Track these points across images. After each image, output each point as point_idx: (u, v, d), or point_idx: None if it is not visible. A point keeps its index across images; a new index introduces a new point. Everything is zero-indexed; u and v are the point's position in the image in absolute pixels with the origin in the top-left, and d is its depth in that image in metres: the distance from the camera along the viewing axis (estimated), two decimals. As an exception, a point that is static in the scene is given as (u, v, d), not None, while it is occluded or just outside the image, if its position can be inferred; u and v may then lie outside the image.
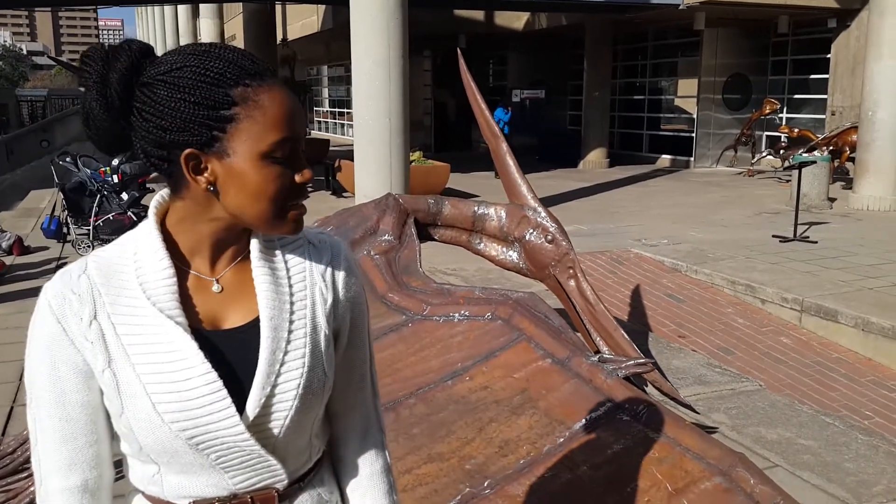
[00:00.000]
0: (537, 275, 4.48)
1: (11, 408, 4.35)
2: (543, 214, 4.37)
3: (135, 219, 8.44)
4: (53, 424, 1.07)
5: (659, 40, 19.39)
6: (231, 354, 1.09)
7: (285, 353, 1.11)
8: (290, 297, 1.14)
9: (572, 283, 4.33)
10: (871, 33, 11.40)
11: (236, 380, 1.07)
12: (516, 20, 19.96)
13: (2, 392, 4.55)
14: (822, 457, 3.77)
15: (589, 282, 4.26)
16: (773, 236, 9.07)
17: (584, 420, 2.84)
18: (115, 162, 8.71)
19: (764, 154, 16.04)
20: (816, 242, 8.77)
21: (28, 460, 3.42)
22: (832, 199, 11.66)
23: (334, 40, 22.51)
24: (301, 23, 22.23)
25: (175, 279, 1.08)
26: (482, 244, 4.58)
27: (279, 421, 1.10)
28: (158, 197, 1.14)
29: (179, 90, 1.01)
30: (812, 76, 16.47)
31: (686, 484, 2.51)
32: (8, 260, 7.88)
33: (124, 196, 8.55)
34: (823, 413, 4.43)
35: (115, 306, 1.06)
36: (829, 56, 15.69)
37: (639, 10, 15.76)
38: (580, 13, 17.38)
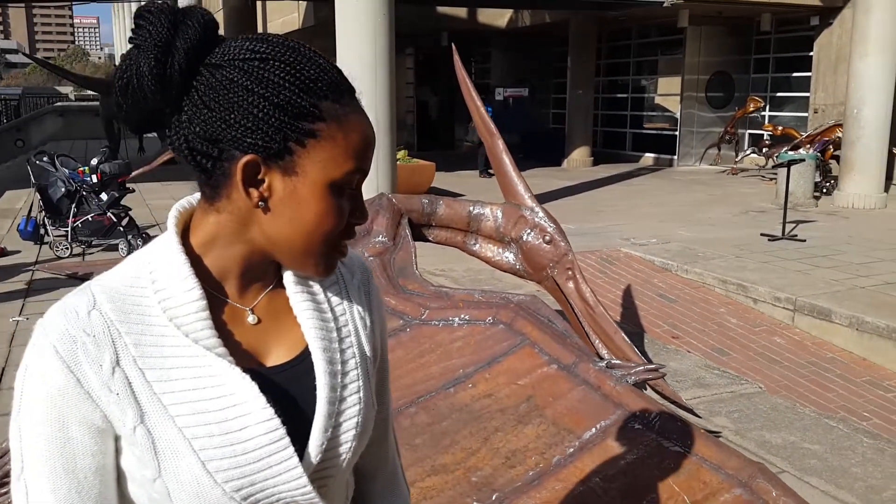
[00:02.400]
0: (534, 276, 4.37)
1: (-11, 418, 4.17)
2: (541, 214, 4.27)
3: (114, 220, 8.25)
4: (60, 498, 0.85)
5: (642, 38, 19.39)
6: (282, 396, 0.92)
7: (343, 387, 0.97)
8: (335, 324, 1.00)
9: (571, 284, 4.23)
10: (856, 30, 11.42)
11: (290, 425, 0.91)
12: (499, 17, 19.88)
13: (-21, 401, 4.37)
14: (829, 461, 3.70)
15: (588, 283, 4.16)
16: (762, 235, 9.04)
17: (594, 429, 2.74)
18: (94, 161, 8.51)
19: (748, 152, 16.08)
20: (805, 241, 8.75)
21: (7, 474, 3.27)
22: (817, 197, 11.68)
23: (316, 37, 22.28)
24: (282, 20, 22.00)
25: (206, 307, 0.90)
26: (477, 245, 4.47)
27: (337, 465, 0.96)
28: (179, 206, 0.96)
29: (262, 84, 0.85)
30: (795, 74, 16.51)
31: (705, 496, 2.41)
32: (-17, 262, 7.66)
33: (104, 196, 8.34)
34: (826, 416, 4.36)
35: (139, 347, 0.86)
36: (811, 54, 15.74)
37: (623, 8, 15.74)
38: (564, 10, 17.32)
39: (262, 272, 0.97)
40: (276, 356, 0.96)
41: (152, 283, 0.90)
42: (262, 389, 0.89)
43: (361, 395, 0.98)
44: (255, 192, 0.88)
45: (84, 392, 0.84)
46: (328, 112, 0.88)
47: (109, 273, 0.92)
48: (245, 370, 0.90)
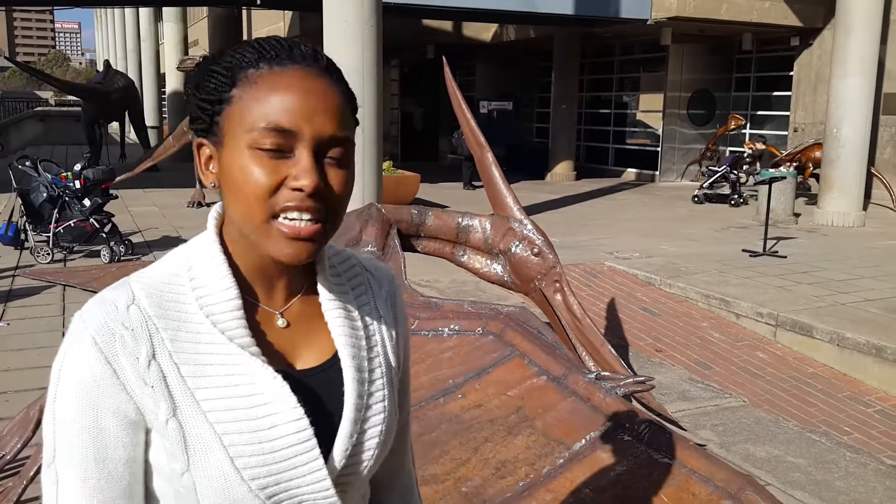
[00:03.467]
0: (522, 288, 4.39)
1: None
2: (530, 227, 4.29)
3: (97, 225, 8.18)
4: (90, 487, 0.86)
5: (626, 55, 19.59)
6: (311, 400, 0.92)
7: (369, 395, 0.98)
8: (364, 333, 1.01)
9: (559, 297, 4.25)
10: (837, 51, 11.61)
11: (317, 429, 0.92)
12: (484, 32, 19.99)
13: (-42, 407, 4.30)
14: (813, 475, 3.74)
15: (576, 296, 4.18)
16: (743, 251, 9.13)
17: (584, 440, 2.75)
18: (78, 167, 8.43)
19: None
20: (786, 257, 8.85)
21: (10, 461, 3.22)
22: (797, 215, 11.82)
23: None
24: (267, 28, 21.99)
25: (242, 309, 0.91)
26: (466, 256, 4.48)
27: (359, 471, 0.97)
28: (219, 206, 0.97)
29: (198, 76, 0.91)
30: (775, 93, 16.75)
31: (694, 508, 2.43)
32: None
33: (86, 202, 8.26)
34: (809, 430, 4.40)
35: (175, 342, 0.88)
36: (791, 74, 15.98)
37: (607, 24, 15.89)
38: (548, 26, 17.46)
39: (287, 274, 0.96)
40: (305, 360, 0.96)
41: (190, 280, 0.91)
42: (292, 391, 0.90)
43: (386, 403, 1.00)
44: (209, 175, 0.92)
45: (119, 383, 0.85)
46: (243, 79, 0.88)
47: (148, 269, 0.93)
48: (279, 371, 0.91)
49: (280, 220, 0.86)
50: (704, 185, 14.22)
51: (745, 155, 14.17)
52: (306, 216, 0.86)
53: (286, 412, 0.89)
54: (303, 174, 0.85)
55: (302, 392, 0.91)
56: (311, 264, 0.99)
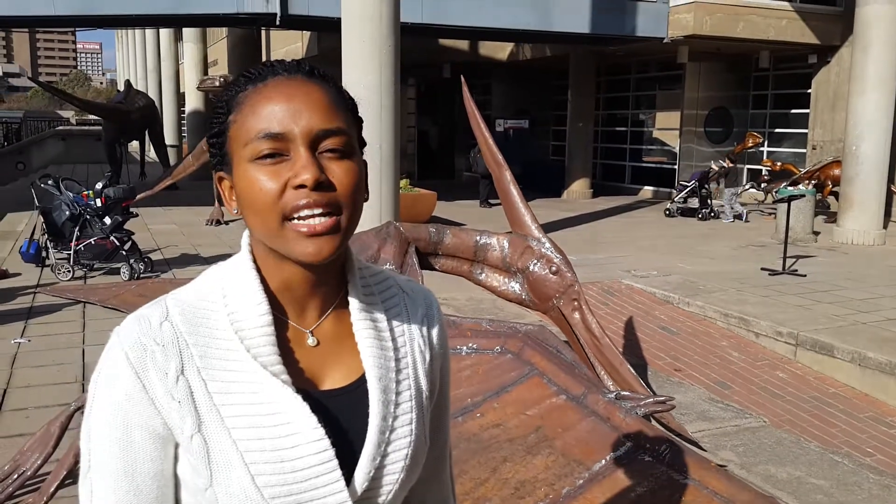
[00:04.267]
0: (540, 306, 4.38)
1: (-9, 441, 4.14)
2: (548, 245, 4.28)
3: (117, 243, 8.25)
4: (119, 499, 0.88)
5: (642, 73, 19.60)
6: (335, 420, 0.94)
7: (395, 418, 0.97)
8: (394, 354, 1.00)
9: (577, 315, 4.23)
10: (855, 68, 11.56)
11: (341, 450, 0.92)
12: (500, 51, 20.09)
13: (-20, 424, 4.34)
14: (836, 497, 3.68)
15: (595, 314, 4.16)
16: (762, 269, 9.06)
17: (603, 461, 2.73)
18: (99, 185, 8.53)
19: (746, 187, 16.16)
20: (805, 276, 8.77)
21: (10, 497, 3.24)
22: (816, 233, 11.73)
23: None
24: (285, 49, 22.21)
25: (274, 329, 0.93)
26: (483, 274, 4.48)
27: (384, 495, 0.96)
28: (248, 230, 1.00)
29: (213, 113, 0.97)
30: (793, 111, 16.68)
31: (716, 530, 2.40)
32: (-16, 284, 7.64)
33: (107, 220, 8.35)
34: (831, 451, 4.35)
35: (205, 359, 0.90)
36: (809, 91, 15.92)
37: (623, 43, 15.91)
38: (564, 44, 17.52)
39: (319, 291, 0.97)
40: (332, 380, 0.97)
41: (223, 297, 0.93)
42: (315, 412, 0.91)
43: (413, 427, 0.99)
44: (231, 203, 0.95)
45: (148, 398, 0.88)
46: (235, 103, 0.93)
47: (185, 287, 0.96)
48: (301, 391, 0.91)
49: (294, 221, 0.88)
50: (676, 199, 14.85)
51: (710, 173, 14.43)
52: (317, 211, 0.88)
53: (307, 433, 0.90)
54: (302, 170, 0.87)
55: (326, 413, 0.92)
56: (342, 280, 1.00)
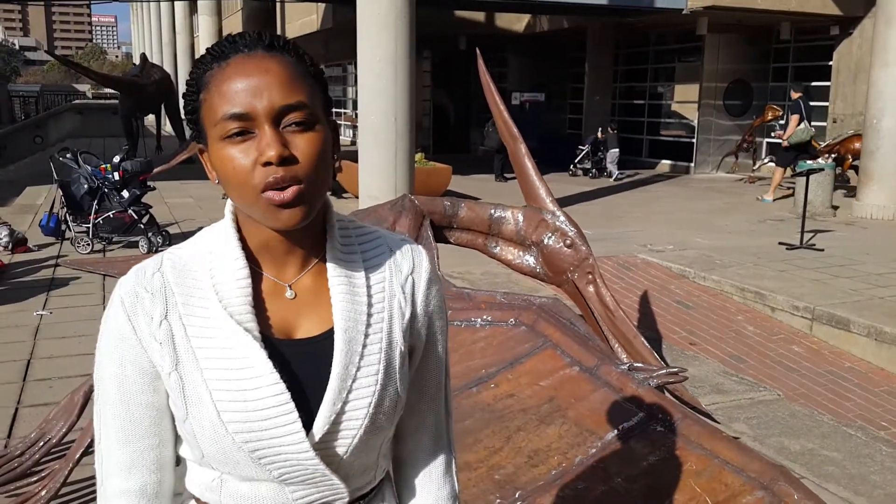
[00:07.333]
0: (554, 280, 4.40)
1: (16, 409, 4.23)
2: (562, 218, 4.29)
3: (135, 217, 8.33)
4: (117, 424, 1.03)
5: (660, 45, 19.36)
6: (302, 367, 1.03)
7: (358, 368, 1.03)
8: (367, 308, 1.06)
9: (591, 288, 4.25)
10: (877, 40, 11.37)
11: (305, 394, 1.01)
12: (517, 22, 19.90)
13: (4, 393, 4.43)
14: (848, 469, 3.70)
15: (609, 288, 4.18)
16: (780, 243, 9.01)
17: (615, 430, 2.76)
18: (117, 159, 8.60)
19: (765, 161, 16.02)
20: (823, 250, 8.72)
21: (36, 463, 3.33)
22: (835, 207, 11.63)
23: (333, 39, 22.42)
24: (300, 21, 22.14)
25: (249, 283, 1.03)
26: (498, 248, 4.50)
27: (347, 440, 1.03)
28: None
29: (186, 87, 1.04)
30: (814, 83, 16.45)
31: (726, 498, 2.43)
32: (6, 258, 7.75)
33: (125, 193, 8.43)
34: (844, 424, 4.36)
35: (187, 307, 1.01)
36: (830, 63, 15.69)
37: (642, 14, 15.73)
38: (582, 16, 17.33)
39: (298, 249, 1.05)
40: (304, 330, 1.05)
41: (209, 253, 1.04)
42: (282, 360, 1.01)
43: (378, 378, 1.04)
44: (212, 173, 1.03)
45: (137, 339, 1.01)
46: (204, 81, 0.99)
47: (184, 243, 1.08)
48: (268, 340, 1.01)
49: (266, 193, 0.95)
50: (575, 162, 17.34)
51: (601, 139, 16.81)
52: (284, 185, 0.95)
53: (266, 376, 0.99)
54: (266, 148, 0.94)
55: (293, 360, 1.01)
56: (324, 239, 1.07)
